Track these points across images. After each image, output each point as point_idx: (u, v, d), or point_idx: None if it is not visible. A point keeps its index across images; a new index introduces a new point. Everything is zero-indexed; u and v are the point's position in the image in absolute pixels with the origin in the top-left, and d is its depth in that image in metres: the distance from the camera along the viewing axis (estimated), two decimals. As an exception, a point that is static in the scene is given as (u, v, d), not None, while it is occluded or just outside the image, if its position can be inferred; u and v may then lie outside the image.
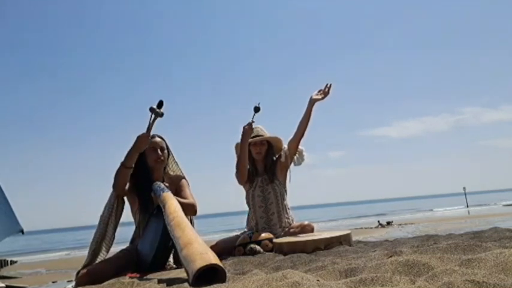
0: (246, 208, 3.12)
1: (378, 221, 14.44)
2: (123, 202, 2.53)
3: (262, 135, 3.05)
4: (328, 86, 2.99)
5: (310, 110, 2.95)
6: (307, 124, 2.96)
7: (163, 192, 2.18)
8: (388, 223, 13.83)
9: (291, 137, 3.02)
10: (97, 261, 2.33)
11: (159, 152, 2.55)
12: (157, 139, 2.60)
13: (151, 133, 2.42)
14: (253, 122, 2.88)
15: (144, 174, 2.52)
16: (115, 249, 2.49)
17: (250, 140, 3.02)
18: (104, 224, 2.40)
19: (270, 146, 3.08)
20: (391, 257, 1.58)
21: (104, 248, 2.41)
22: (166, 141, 2.65)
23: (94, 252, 2.37)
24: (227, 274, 1.52)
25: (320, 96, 2.97)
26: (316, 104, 2.96)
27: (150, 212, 2.45)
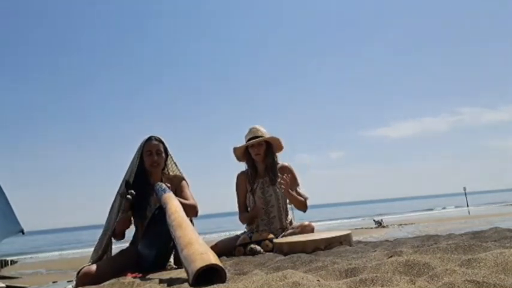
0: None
1: (374, 220, 14.45)
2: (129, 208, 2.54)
3: (260, 136, 3.02)
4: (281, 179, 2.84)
5: (288, 196, 2.90)
6: (297, 203, 2.94)
7: (164, 193, 2.18)
8: (380, 223, 13.80)
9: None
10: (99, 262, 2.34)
11: (155, 156, 2.55)
12: (154, 142, 2.58)
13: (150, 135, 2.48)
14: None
15: (142, 177, 2.53)
16: (115, 249, 2.50)
17: (247, 143, 3.03)
18: (110, 230, 2.42)
19: (270, 145, 3.05)
20: (391, 257, 1.58)
21: (108, 252, 2.45)
22: (165, 142, 2.63)
23: (100, 254, 2.38)
24: (227, 274, 1.52)
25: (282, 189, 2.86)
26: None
27: (144, 214, 2.47)
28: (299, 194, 2.94)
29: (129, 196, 2.34)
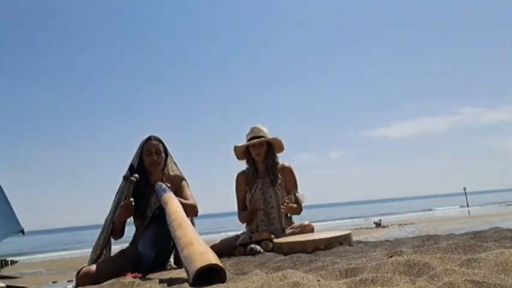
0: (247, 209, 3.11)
1: (374, 222, 14.49)
2: None
3: (261, 136, 3.02)
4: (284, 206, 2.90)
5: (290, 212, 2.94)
6: (293, 212, 2.96)
7: (164, 192, 2.18)
8: (379, 224, 13.81)
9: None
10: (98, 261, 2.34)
11: (154, 156, 2.55)
12: (153, 142, 2.58)
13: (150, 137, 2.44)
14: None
15: (142, 177, 2.53)
16: (115, 249, 2.49)
17: (248, 142, 3.02)
18: (108, 228, 2.41)
19: (270, 145, 3.05)
20: (391, 257, 1.58)
21: (107, 251, 2.44)
22: (164, 142, 2.64)
23: (98, 253, 2.37)
24: (227, 274, 1.52)
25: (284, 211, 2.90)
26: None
27: (144, 214, 2.46)
28: (296, 198, 2.94)
29: (133, 178, 2.36)
